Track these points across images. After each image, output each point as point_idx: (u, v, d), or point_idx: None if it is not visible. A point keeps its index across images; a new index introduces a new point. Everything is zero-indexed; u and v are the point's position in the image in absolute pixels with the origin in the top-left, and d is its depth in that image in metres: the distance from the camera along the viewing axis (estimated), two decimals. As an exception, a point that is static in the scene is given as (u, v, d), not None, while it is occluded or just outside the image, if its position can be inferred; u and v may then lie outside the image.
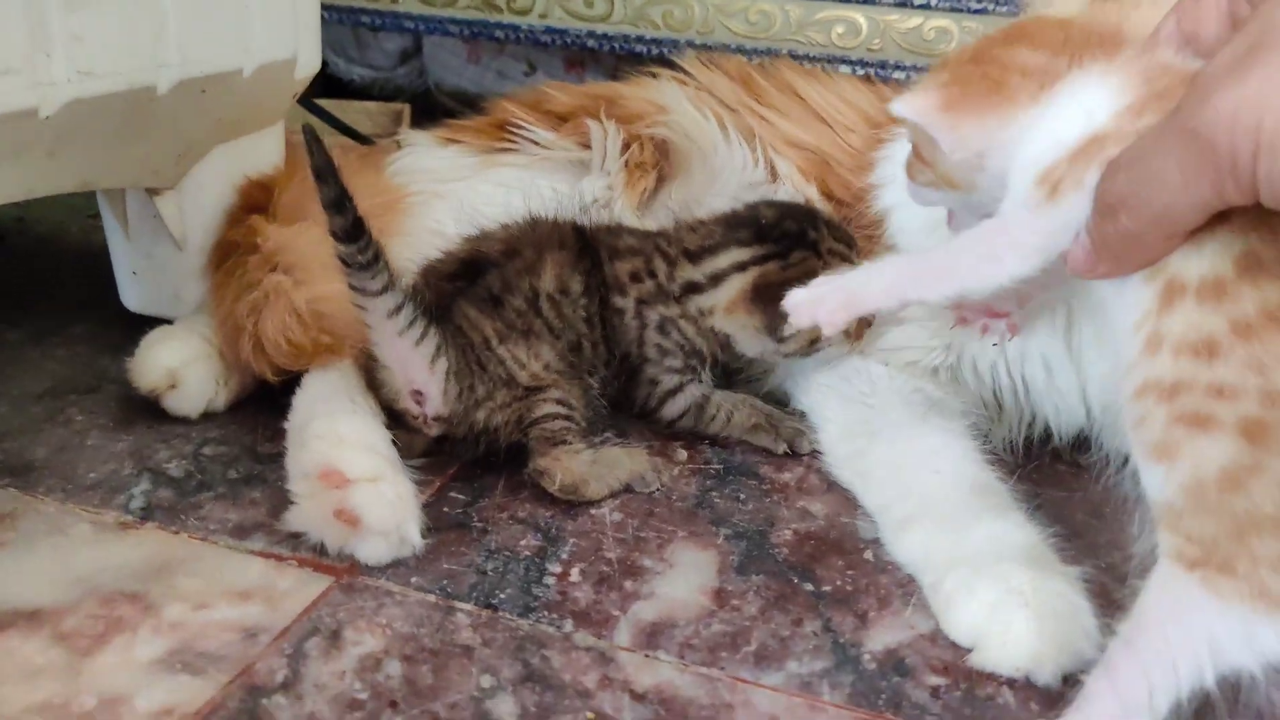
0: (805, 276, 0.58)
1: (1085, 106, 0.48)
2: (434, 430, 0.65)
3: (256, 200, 0.78)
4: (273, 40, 0.76)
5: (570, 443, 0.65)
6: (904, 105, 0.53)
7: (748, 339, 0.72)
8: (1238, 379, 0.40)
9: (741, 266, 0.71)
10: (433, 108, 1.72)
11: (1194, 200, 0.41)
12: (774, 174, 0.87)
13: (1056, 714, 0.48)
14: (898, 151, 0.78)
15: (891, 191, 0.78)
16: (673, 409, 0.74)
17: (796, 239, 0.72)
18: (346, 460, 0.58)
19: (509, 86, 1.69)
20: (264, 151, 0.83)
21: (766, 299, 0.68)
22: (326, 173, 0.57)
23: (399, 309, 0.61)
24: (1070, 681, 0.51)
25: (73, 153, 0.61)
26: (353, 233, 0.58)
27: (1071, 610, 0.52)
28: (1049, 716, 0.50)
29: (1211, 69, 0.41)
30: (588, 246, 0.73)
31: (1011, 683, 0.53)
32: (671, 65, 0.96)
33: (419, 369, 0.62)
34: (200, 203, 0.78)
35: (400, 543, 0.58)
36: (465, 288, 0.68)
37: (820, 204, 0.85)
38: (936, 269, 0.53)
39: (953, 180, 0.55)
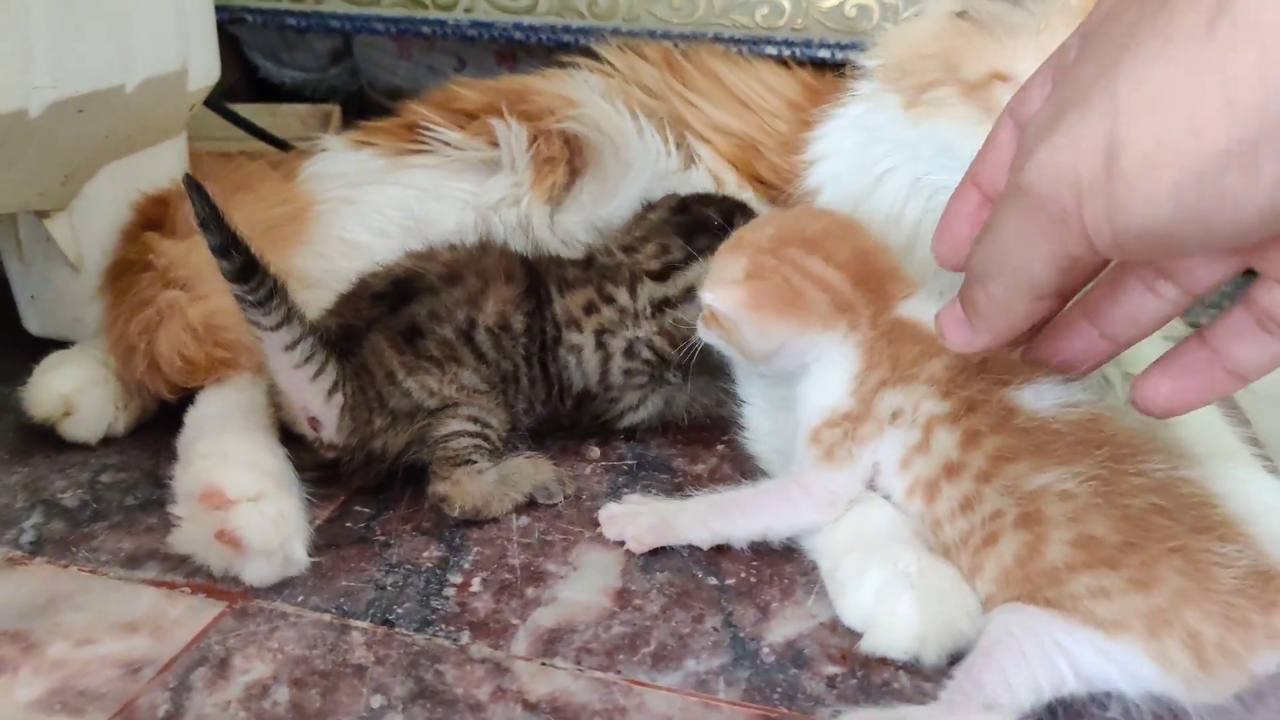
0: None
1: (842, 373, 0.58)
2: (330, 455, 0.64)
3: (153, 216, 0.76)
4: (158, 53, 0.74)
5: (474, 462, 0.63)
6: (716, 298, 0.59)
7: None
8: (997, 502, 0.51)
9: None
10: (367, 107, 1.69)
11: (1042, 256, 0.42)
12: (690, 160, 0.87)
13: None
14: (825, 132, 0.81)
15: (819, 169, 0.80)
16: (634, 419, 0.73)
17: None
18: (228, 479, 0.57)
19: (441, 82, 1.67)
20: (161, 166, 0.82)
21: None
22: (211, 221, 0.55)
23: (295, 343, 0.60)
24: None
25: (-60, 181, 0.60)
26: (244, 273, 0.57)
27: (955, 589, 0.52)
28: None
29: (1033, 127, 0.41)
30: (535, 283, 0.70)
31: (906, 667, 0.53)
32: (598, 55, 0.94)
33: (315, 400, 0.61)
34: (94, 223, 0.76)
35: (285, 562, 0.57)
36: (385, 314, 0.66)
37: (741, 187, 0.85)
38: (744, 509, 0.60)
39: (747, 353, 0.61)
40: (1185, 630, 0.45)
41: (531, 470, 0.65)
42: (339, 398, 0.62)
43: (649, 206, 0.78)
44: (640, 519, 0.61)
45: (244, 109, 1.26)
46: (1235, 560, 0.46)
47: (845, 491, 0.57)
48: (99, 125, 0.71)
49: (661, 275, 0.72)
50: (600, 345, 0.70)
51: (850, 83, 0.80)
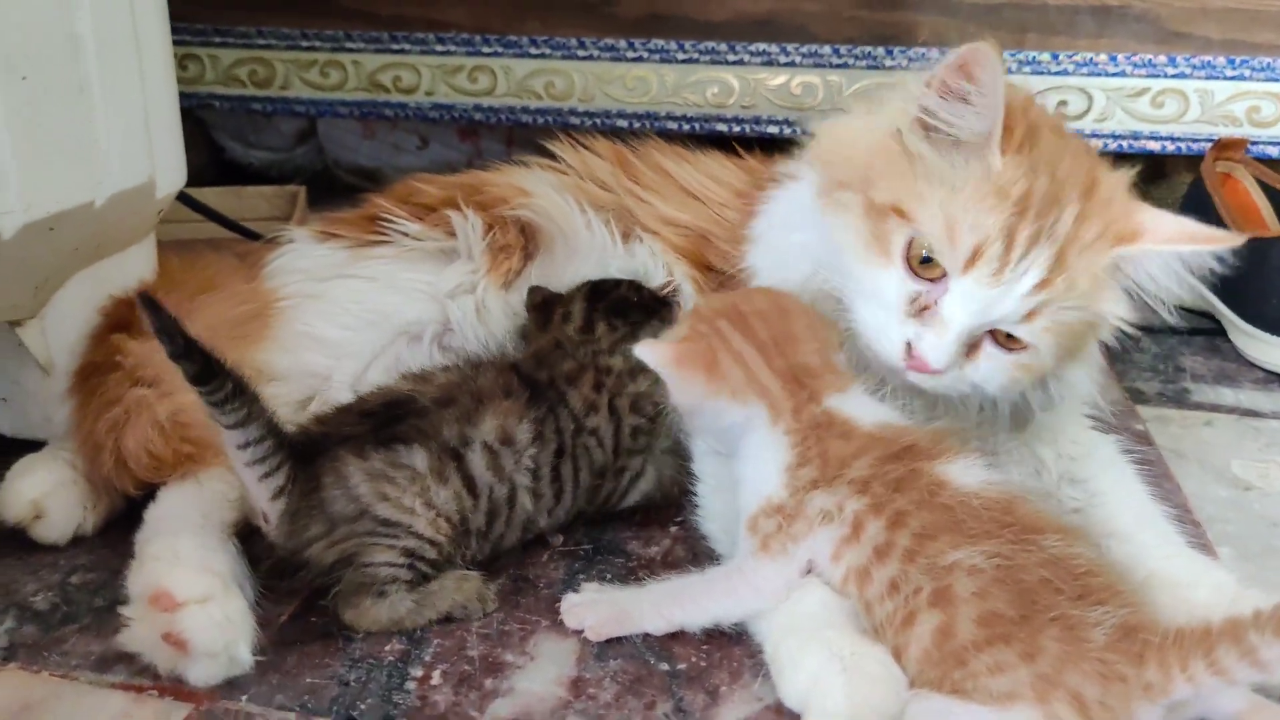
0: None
1: (774, 464, 0.62)
2: (278, 551, 0.65)
3: (121, 318, 0.79)
4: (126, 168, 0.78)
5: (385, 594, 0.64)
6: (647, 352, 0.64)
7: None
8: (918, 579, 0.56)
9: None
10: (332, 184, 1.74)
11: None
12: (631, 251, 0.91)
13: None
14: (761, 211, 0.85)
15: (755, 249, 0.84)
16: (635, 494, 0.77)
17: (655, 299, 0.82)
18: (177, 581, 0.59)
19: (405, 159, 1.72)
20: (130, 268, 0.85)
21: None
22: (169, 331, 0.58)
23: (249, 444, 0.62)
24: None
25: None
26: (203, 376, 0.59)
27: (885, 673, 0.55)
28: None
29: None
30: (537, 392, 0.72)
31: (849, 748, 0.55)
32: (562, 131, 0.98)
33: (262, 498, 0.63)
34: (64, 327, 0.79)
35: (230, 663, 0.59)
36: (369, 431, 0.67)
37: (689, 276, 0.90)
38: (694, 598, 0.64)
39: (677, 408, 0.67)
40: (1069, 692, 0.50)
41: (452, 588, 0.66)
42: (283, 501, 0.64)
43: (551, 300, 0.82)
44: (599, 609, 0.65)
45: (211, 192, 1.30)
46: (1105, 619, 0.51)
47: (782, 581, 0.61)
48: (69, 239, 0.74)
49: (629, 339, 0.76)
50: (612, 412, 0.75)
51: (784, 166, 0.85)
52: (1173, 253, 0.65)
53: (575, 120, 1.47)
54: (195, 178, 0.97)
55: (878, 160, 0.68)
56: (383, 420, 0.68)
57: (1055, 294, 0.65)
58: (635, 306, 0.80)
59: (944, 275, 0.65)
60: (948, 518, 0.57)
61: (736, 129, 1.42)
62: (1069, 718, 0.49)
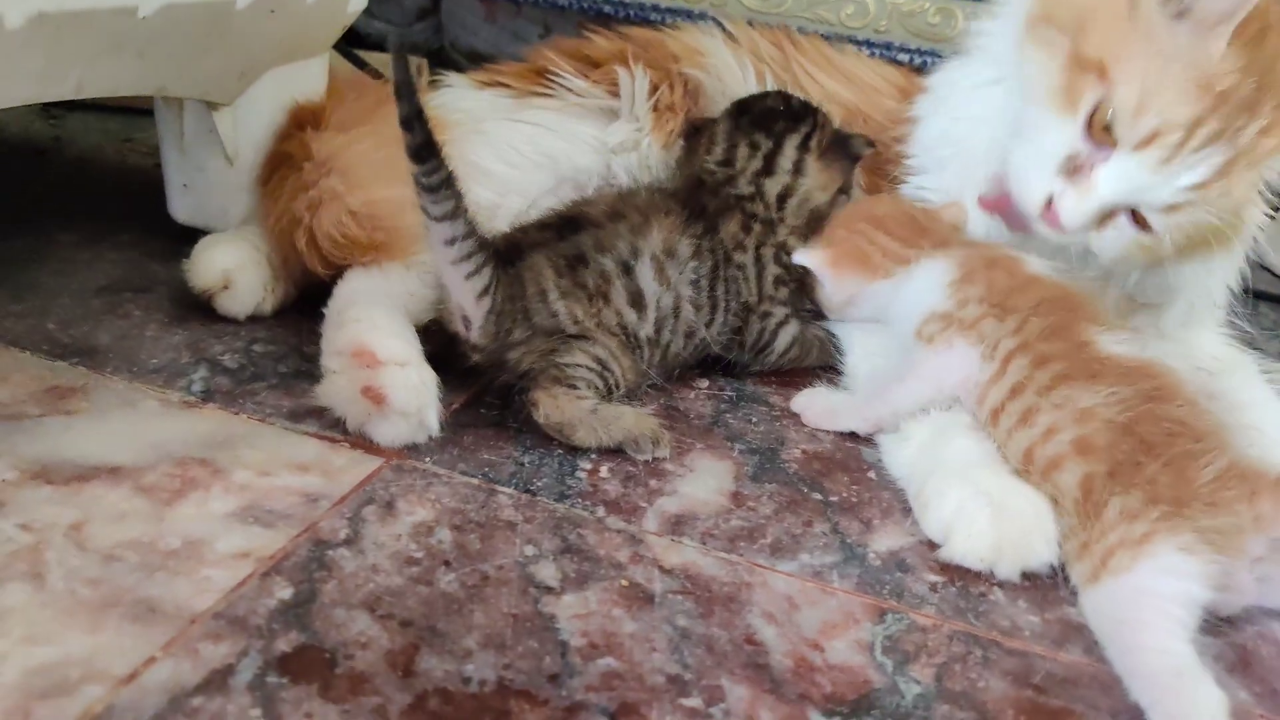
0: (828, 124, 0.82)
1: (931, 284, 0.71)
2: (474, 357, 0.68)
3: (305, 121, 0.82)
4: (332, -29, 0.80)
5: (578, 389, 0.66)
6: (805, 256, 0.76)
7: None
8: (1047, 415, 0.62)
9: (804, 146, 0.81)
10: (446, 64, 1.75)
11: None
12: None
13: (1045, 613, 0.55)
14: (934, 88, 0.87)
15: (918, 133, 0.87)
16: (782, 341, 0.79)
17: (804, 106, 0.84)
18: (380, 343, 0.63)
19: (523, 49, 1.73)
20: (310, 78, 0.87)
21: (832, 156, 0.82)
22: (404, 90, 0.59)
23: (454, 240, 0.63)
24: (1062, 583, 0.58)
25: (157, 56, 0.65)
26: (423, 153, 0.60)
27: (1034, 513, 0.58)
28: (1036, 614, 0.56)
29: None
30: (694, 212, 0.76)
31: (1002, 584, 0.58)
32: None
33: (467, 299, 0.65)
34: (253, 121, 0.82)
35: (419, 426, 0.62)
36: (552, 239, 0.70)
37: None
38: (882, 396, 0.71)
39: (830, 307, 0.79)
40: (1192, 525, 0.54)
41: (631, 421, 0.67)
42: (488, 301, 0.66)
43: (701, 127, 0.85)
44: (816, 402, 0.75)
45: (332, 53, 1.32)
46: (1219, 463, 0.56)
47: (949, 371, 0.67)
48: (280, 29, 0.77)
49: (769, 170, 0.80)
50: (757, 259, 0.78)
51: (973, 25, 0.86)
52: None
53: (708, 23, 1.48)
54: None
55: (1100, 7, 0.67)
56: (562, 231, 0.71)
57: (1208, 197, 0.65)
58: (781, 115, 0.82)
59: (1114, 144, 0.65)
60: (1088, 368, 0.61)
61: (868, 54, 1.42)
62: (1193, 544, 0.53)
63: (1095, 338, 0.64)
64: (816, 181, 0.81)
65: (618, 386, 0.69)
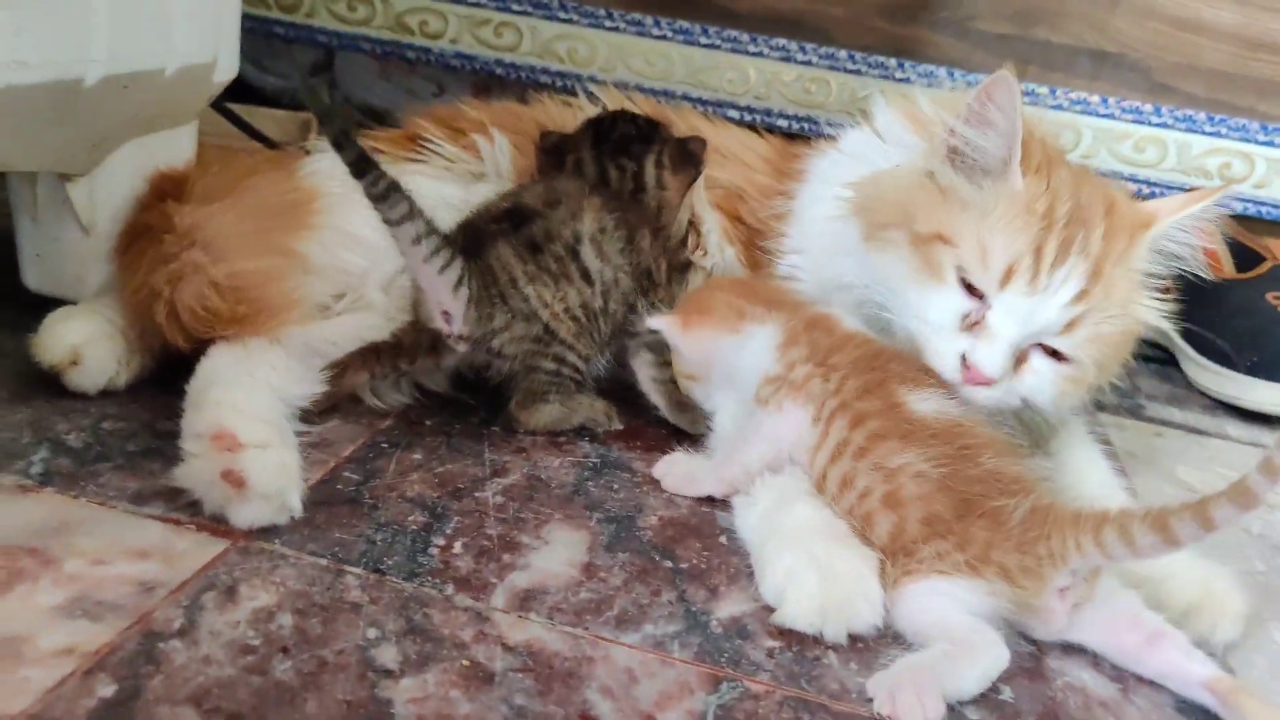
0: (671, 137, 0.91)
1: (762, 346, 0.74)
2: (461, 348, 0.75)
3: (167, 191, 0.81)
4: (195, 43, 0.80)
5: (548, 399, 0.78)
6: (658, 322, 0.79)
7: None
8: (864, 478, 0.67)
9: (659, 163, 0.90)
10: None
11: None
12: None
13: (874, 673, 0.57)
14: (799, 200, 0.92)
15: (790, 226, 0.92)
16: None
17: (650, 124, 0.93)
18: (241, 426, 0.63)
19: (418, 105, 1.74)
20: (176, 147, 0.87)
21: (679, 164, 0.91)
22: (326, 115, 0.65)
23: (420, 238, 0.69)
24: (895, 641, 0.61)
25: (1, 133, 0.65)
26: (361, 166, 0.66)
27: (857, 576, 0.62)
28: (865, 675, 0.58)
29: None
30: (604, 177, 0.87)
31: (835, 647, 0.61)
32: (574, 96, 1.04)
33: (444, 293, 0.72)
34: (110, 190, 0.81)
35: (281, 508, 0.62)
36: (508, 230, 0.77)
37: (722, 225, 0.96)
38: (733, 457, 0.74)
39: (689, 373, 0.81)
40: (997, 566, 0.61)
41: (588, 407, 0.81)
42: (465, 291, 0.73)
43: (560, 145, 0.91)
44: (676, 469, 0.77)
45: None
46: (1022, 506, 0.61)
47: (784, 430, 0.71)
48: (136, 103, 0.76)
49: (638, 189, 0.89)
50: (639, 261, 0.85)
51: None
52: (1188, 216, 0.74)
53: (591, 89, 1.52)
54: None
55: (915, 198, 0.75)
56: (515, 223, 0.78)
57: (1094, 303, 0.72)
58: (636, 138, 0.90)
59: (983, 294, 0.72)
60: (900, 429, 0.66)
61: (748, 118, 1.48)
62: (999, 583, 0.60)
63: (905, 398, 0.68)
64: (674, 189, 0.91)
65: (576, 370, 0.80)
